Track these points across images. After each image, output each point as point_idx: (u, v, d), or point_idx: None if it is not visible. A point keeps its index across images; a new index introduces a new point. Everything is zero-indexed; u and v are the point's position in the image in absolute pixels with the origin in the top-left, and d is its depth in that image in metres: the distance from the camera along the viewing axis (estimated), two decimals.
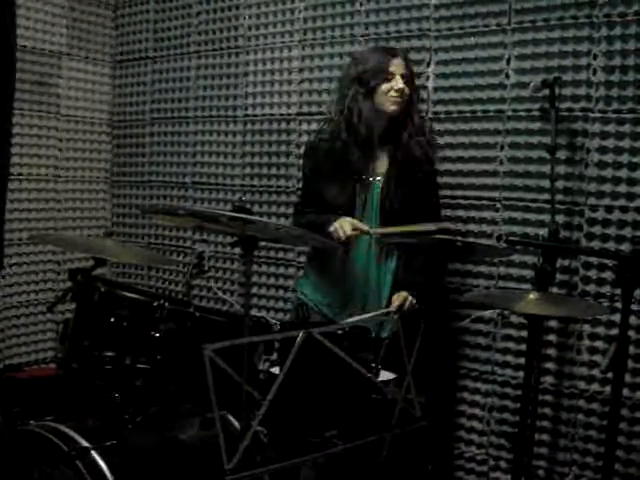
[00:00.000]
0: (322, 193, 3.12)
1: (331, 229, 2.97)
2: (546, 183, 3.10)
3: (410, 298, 2.99)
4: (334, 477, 2.39)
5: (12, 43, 2.83)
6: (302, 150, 3.54)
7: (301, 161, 3.53)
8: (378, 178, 3.11)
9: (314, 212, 3.15)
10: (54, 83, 4.44)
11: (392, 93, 3.01)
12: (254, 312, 4.02)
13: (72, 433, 2.40)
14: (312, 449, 2.08)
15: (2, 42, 2.44)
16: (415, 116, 3.13)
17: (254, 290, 4.11)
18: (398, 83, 3.01)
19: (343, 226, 2.94)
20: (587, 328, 3.11)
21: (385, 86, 3.02)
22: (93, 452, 2.34)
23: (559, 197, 3.11)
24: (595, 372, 3.08)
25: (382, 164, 3.13)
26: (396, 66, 3.04)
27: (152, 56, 4.62)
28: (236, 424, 2.59)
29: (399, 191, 3.07)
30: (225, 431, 1.83)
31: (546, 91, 3.07)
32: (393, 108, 3.04)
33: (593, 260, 3.09)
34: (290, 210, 3.98)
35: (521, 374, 3.01)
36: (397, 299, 2.99)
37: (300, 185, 3.68)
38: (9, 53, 2.74)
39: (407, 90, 3.04)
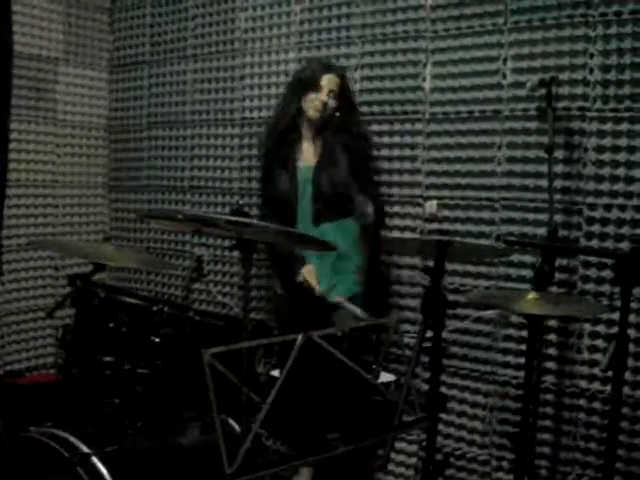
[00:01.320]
0: (271, 188, 3.54)
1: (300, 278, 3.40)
2: (544, 182, 3.10)
3: None
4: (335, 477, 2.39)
5: (9, 49, 2.85)
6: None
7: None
8: (309, 166, 3.44)
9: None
10: (51, 89, 4.44)
11: (316, 102, 3.37)
12: (253, 315, 4.02)
13: (73, 439, 2.40)
14: (313, 451, 2.08)
15: None
16: (344, 120, 3.41)
17: (253, 293, 4.11)
18: (322, 96, 3.36)
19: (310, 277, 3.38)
20: (587, 327, 3.11)
21: (312, 95, 3.38)
22: (94, 458, 2.34)
23: (557, 196, 3.11)
24: (596, 371, 3.07)
25: (312, 156, 3.46)
26: (327, 80, 3.37)
27: (148, 60, 4.62)
28: (236, 428, 2.59)
29: (328, 178, 3.39)
30: (225, 435, 1.82)
31: (543, 90, 3.07)
32: (312, 113, 3.40)
33: (592, 259, 3.09)
34: None
35: (522, 374, 3.00)
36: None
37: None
38: (6, 59, 2.76)
39: (331, 103, 3.37)
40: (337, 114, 3.39)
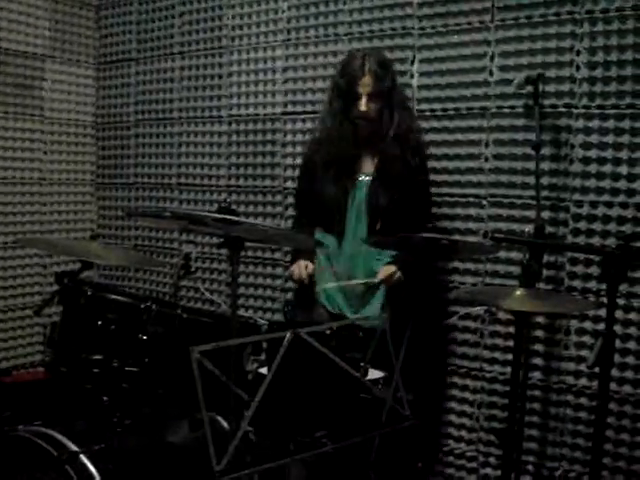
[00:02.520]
0: (316, 198, 3.22)
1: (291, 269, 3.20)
2: (531, 179, 3.11)
3: (398, 273, 3.03)
4: (325, 477, 2.39)
5: None
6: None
7: (296, 173, 3.66)
8: (366, 178, 3.16)
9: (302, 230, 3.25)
10: (38, 86, 4.42)
11: (356, 114, 3.08)
12: (242, 312, 4.02)
13: (61, 437, 2.39)
14: (301, 449, 2.08)
15: None
16: (396, 119, 3.14)
17: (242, 290, 4.11)
18: (361, 106, 3.06)
19: (300, 269, 3.13)
20: (574, 323, 3.12)
21: (355, 105, 3.08)
22: (82, 456, 2.34)
23: (544, 193, 3.12)
24: (583, 367, 3.09)
25: (369, 164, 3.18)
26: (363, 86, 3.06)
27: (135, 57, 4.61)
28: (225, 425, 2.59)
29: (385, 189, 3.11)
30: (214, 432, 1.82)
31: (530, 88, 3.08)
32: (361, 129, 3.10)
33: (579, 255, 3.11)
34: (277, 209, 3.99)
35: (509, 370, 3.01)
36: (384, 272, 3.03)
37: (293, 197, 3.72)
38: None
39: (373, 106, 3.07)
40: (384, 116, 3.11)
